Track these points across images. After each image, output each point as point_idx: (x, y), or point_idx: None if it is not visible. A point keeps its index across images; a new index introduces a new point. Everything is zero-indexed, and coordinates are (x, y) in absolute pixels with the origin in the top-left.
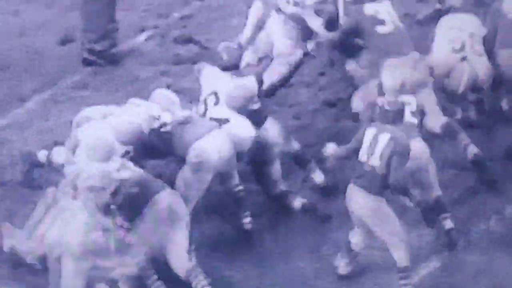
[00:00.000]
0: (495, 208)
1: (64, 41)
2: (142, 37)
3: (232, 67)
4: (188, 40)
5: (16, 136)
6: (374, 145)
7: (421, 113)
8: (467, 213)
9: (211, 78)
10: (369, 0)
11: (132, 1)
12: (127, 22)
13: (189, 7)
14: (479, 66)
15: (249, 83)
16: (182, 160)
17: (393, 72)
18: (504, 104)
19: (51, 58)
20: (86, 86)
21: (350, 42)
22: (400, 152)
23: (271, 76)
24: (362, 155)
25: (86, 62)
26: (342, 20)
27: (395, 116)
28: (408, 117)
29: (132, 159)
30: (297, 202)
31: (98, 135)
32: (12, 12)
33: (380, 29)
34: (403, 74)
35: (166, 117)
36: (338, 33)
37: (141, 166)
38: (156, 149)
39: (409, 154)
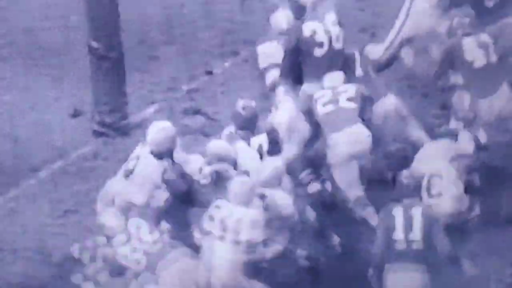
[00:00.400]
0: (495, 272)
1: (74, 115)
2: (151, 109)
3: (249, 126)
4: (196, 112)
5: (28, 205)
6: (409, 221)
7: (361, 98)
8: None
9: (242, 155)
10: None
11: (141, 77)
12: (137, 96)
13: (197, 81)
14: (444, 205)
15: (276, 166)
16: None
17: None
18: (483, 138)
19: (61, 130)
20: (96, 156)
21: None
22: (436, 221)
23: (287, 155)
24: (399, 234)
25: (96, 134)
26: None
27: (413, 190)
28: (343, 103)
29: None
30: (300, 253)
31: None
32: (23, 88)
33: (318, 51)
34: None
35: (206, 170)
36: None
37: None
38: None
39: (441, 221)
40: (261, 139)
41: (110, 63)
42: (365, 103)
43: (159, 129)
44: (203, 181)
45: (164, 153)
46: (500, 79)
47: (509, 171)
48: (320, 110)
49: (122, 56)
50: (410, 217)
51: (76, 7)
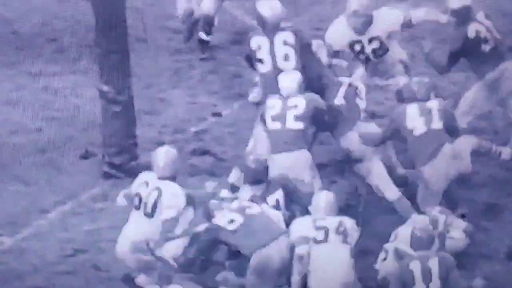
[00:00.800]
0: None
1: (85, 156)
2: None
3: (261, 179)
4: (204, 152)
5: (38, 245)
6: (427, 273)
7: (313, 111)
8: None
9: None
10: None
11: (151, 119)
12: (146, 137)
13: (205, 123)
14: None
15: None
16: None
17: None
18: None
19: (72, 172)
20: (105, 197)
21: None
22: (452, 267)
23: None
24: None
25: (106, 175)
26: None
27: (427, 242)
28: (290, 122)
29: None
30: None
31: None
32: (34, 130)
33: (260, 67)
34: None
35: (238, 218)
36: None
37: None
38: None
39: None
40: (277, 195)
41: (120, 106)
42: (319, 115)
43: (166, 153)
44: (231, 227)
45: (174, 177)
46: (441, 142)
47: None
48: (269, 123)
49: (131, 99)
50: (428, 269)
51: (86, 51)
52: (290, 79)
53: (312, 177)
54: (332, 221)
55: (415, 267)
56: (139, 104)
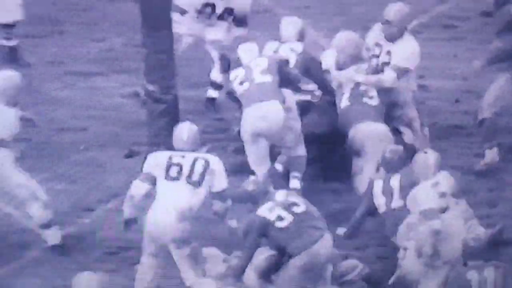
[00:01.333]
0: None
1: (129, 155)
2: (204, 149)
3: None
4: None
5: (83, 243)
6: (484, 282)
7: (279, 64)
8: None
9: None
10: None
11: (194, 119)
12: None
13: None
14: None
15: None
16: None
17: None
18: None
19: (116, 171)
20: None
21: None
22: (509, 275)
23: None
24: None
25: None
26: None
27: (482, 251)
28: (258, 77)
29: None
30: None
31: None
32: (81, 128)
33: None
34: None
35: (287, 216)
36: None
37: None
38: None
39: None
40: None
41: (165, 105)
42: (284, 68)
43: (189, 127)
44: (280, 224)
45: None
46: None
47: None
48: (238, 89)
49: (176, 99)
50: (484, 279)
51: (132, 51)
52: (248, 50)
53: (287, 130)
54: (446, 184)
55: (473, 277)
56: (183, 104)
